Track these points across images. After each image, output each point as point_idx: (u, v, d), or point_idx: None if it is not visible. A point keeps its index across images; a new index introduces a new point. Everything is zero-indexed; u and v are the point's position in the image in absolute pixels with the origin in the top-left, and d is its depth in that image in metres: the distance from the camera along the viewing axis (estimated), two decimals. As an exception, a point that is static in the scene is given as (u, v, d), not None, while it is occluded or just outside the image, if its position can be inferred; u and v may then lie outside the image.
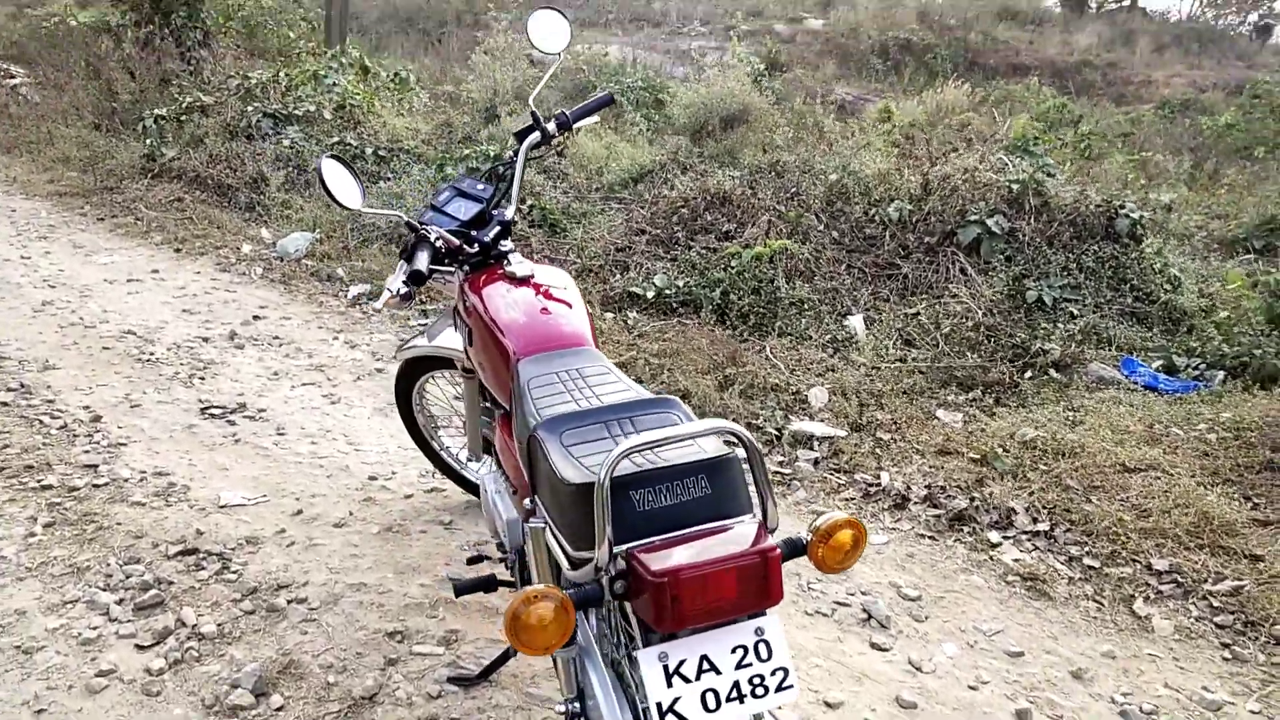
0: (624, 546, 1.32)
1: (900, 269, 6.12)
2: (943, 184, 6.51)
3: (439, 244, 2.31)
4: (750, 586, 1.27)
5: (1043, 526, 3.27)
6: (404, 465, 3.55)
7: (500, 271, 2.37)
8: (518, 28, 11.71)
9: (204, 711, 2.24)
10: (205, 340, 4.67)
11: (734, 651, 1.32)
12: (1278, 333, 4.91)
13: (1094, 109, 14.14)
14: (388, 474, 3.47)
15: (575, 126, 2.69)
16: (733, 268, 5.56)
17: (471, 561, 2.53)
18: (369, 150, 8.01)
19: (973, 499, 3.43)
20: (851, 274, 6.16)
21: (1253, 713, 2.43)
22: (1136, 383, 4.96)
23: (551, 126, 2.64)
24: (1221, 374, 4.97)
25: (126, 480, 3.25)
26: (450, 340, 2.81)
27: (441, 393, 3.23)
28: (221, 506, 3.14)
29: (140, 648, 2.45)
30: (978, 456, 3.73)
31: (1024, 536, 3.26)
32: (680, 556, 1.26)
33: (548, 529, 1.64)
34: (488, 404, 2.89)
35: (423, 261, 2.17)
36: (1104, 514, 3.27)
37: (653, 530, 1.35)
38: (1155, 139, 11.51)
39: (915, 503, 3.45)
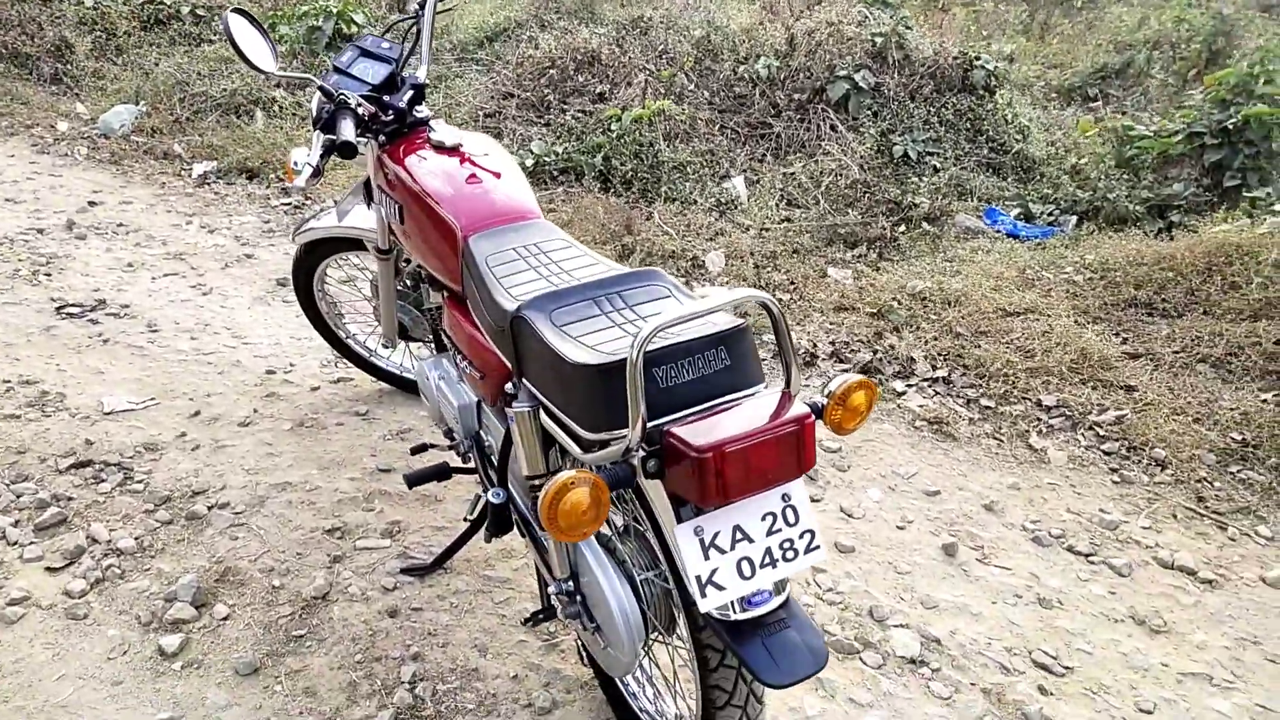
0: (656, 423, 1.28)
1: (773, 128, 6.12)
2: (808, 39, 6.47)
3: (361, 111, 2.10)
4: (790, 455, 1.26)
5: (941, 373, 3.45)
6: (301, 356, 3.35)
7: (423, 140, 2.19)
8: None
9: (141, 630, 2.10)
10: (40, 232, 4.18)
11: (764, 519, 1.33)
12: (1127, 176, 5.24)
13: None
14: (285, 367, 3.26)
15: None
16: (612, 131, 5.40)
17: (416, 451, 2.43)
18: (185, 9, 7.19)
19: (875, 351, 3.57)
20: (726, 135, 6.11)
21: (1144, 528, 2.71)
22: (1000, 231, 5.23)
23: (459, -23, 2.40)
24: (1074, 219, 5.31)
25: (-12, 393, 2.92)
26: (360, 219, 2.61)
27: (342, 276, 3.03)
28: (107, 413, 2.87)
29: (51, 570, 2.25)
30: (873, 311, 3.87)
31: (925, 384, 3.43)
32: (720, 430, 1.23)
33: (534, 413, 1.58)
34: (403, 286, 2.74)
35: (349, 130, 1.97)
36: (994, 357, 3.48)
37: (678, 406, 1.31)
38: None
39: (823, 359, 3.55)
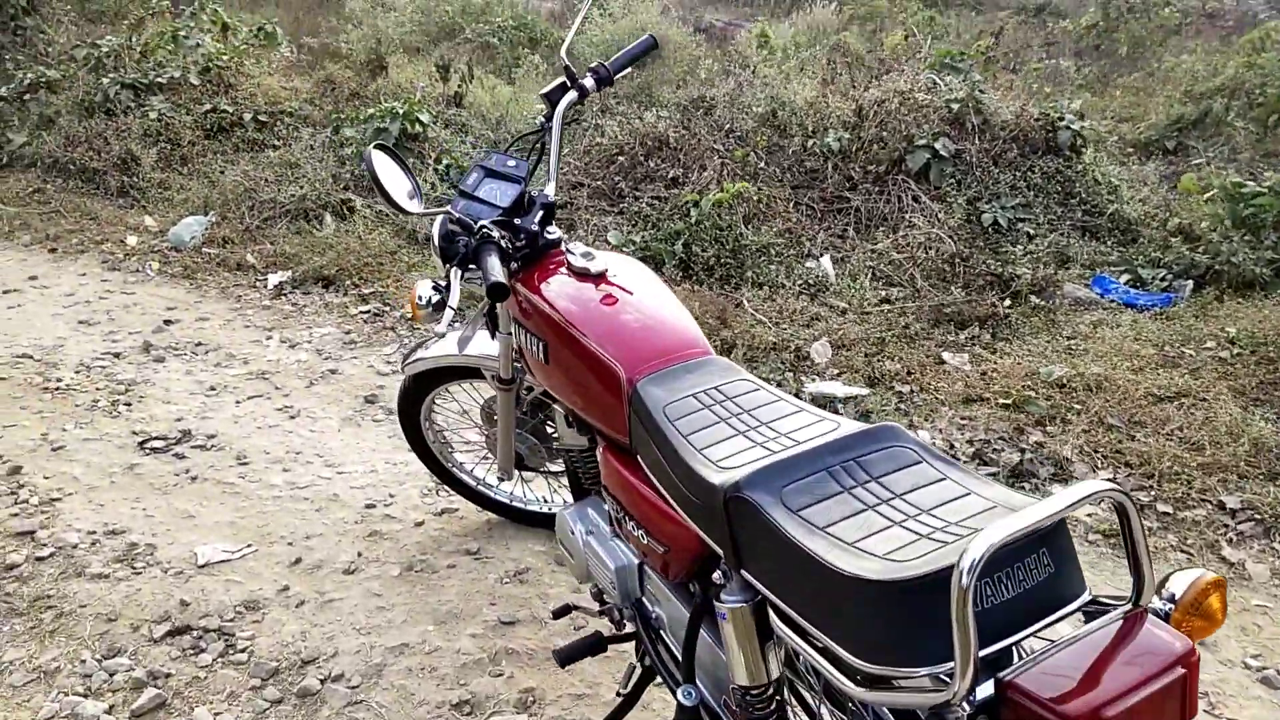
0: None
1: (850, 202, 5.89)
2: (878, 109, 6.27)
3: (505, 244, 1.86)
4: (1175, 708, 0.96)
5: (1104, 474, 3.10)
6: (400, 485, 3.10)
7: (561, 265, 1.95)
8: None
9: (260, 844, 1.82)
10: (117, 356, 4.02)
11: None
12: (1246, 236, 4.89)
13: (958, 19, 14.23)
14: (385, 499, 3.01)
15: (616, 78, 2.27)
16: (690, 217, 5.19)
17: (558, 615, 2.13)
18: (248, 116, 7.20)
19: (1022, 450, 3.24)
20: (800, 211, 5.89)
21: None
22: (1113, 300, 4.90)
23: (590, 82, 2.20)
24: (1190, 284, 4.96)
25: (75, 546, 2.70)
26: (479, 347, 2.37)
27: (453, 406, 2.80)
28: (201, 566, 2.63)
29: (154, 769, 1.98)
30: (1007, 402, 3.54)
31: (1083, 485, 3.08)
32: (1088, 681, 0.94)
33: (755, 609, 1.29)
34: (520, 414, 2.49)
35: (497, 270, 1.72)
36: (1159, 452, 3.13)
37: (999, 633, 1.02)
38: (1029, 46, 11.55)
39: (965, 461, 3.23)
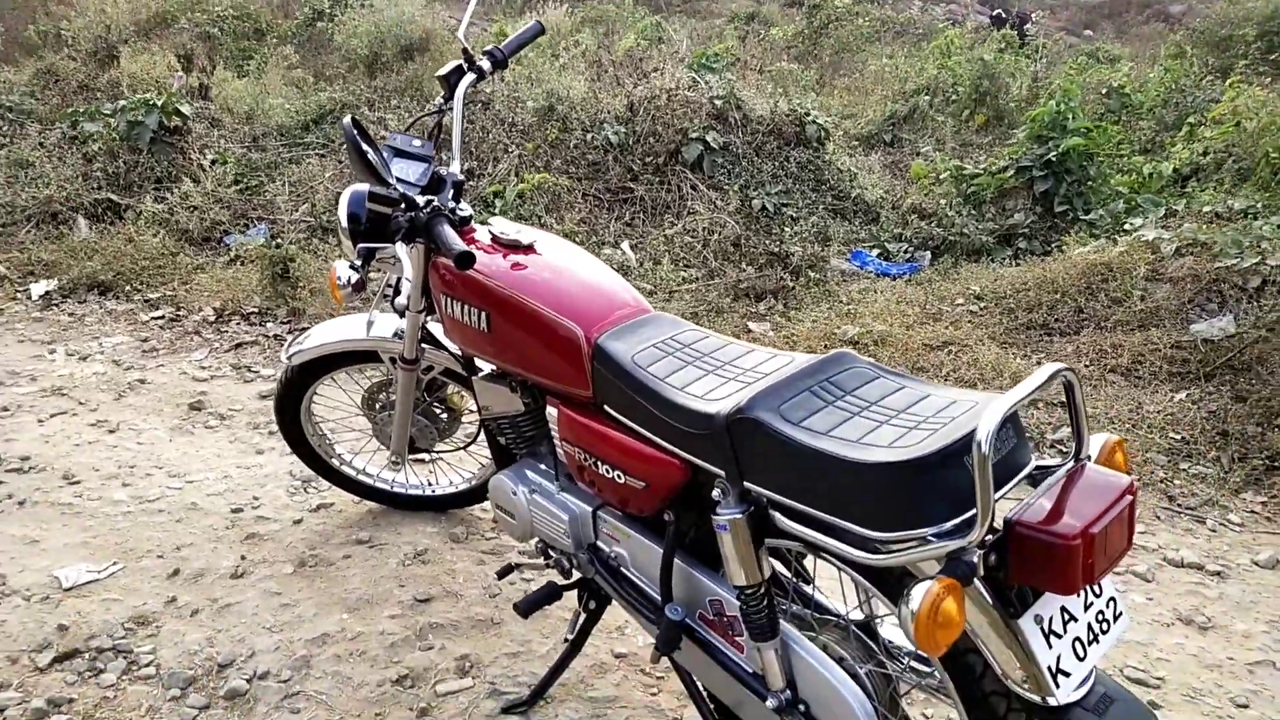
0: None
1: (634, 191, 6.23)
2: (648, 104, 6.67)
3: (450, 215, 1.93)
4: (1127, 529, 1.27)
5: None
6: (260, 487, 3.00)
7: (477, 241, 2.04)
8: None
9: (231, 843, 1.78)
10: None
11: (1079, 595, 1.33)
12: (971, 211, 5.75)
13: (682, 26, 15.20)
14: (250, 502, 2.90)
15: (510, 61, 2.37)
16: (495, 209, 5.28)
17: (502, 574, 2.21)
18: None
19: (838, 400, 3.68)
20: (589, 202, 6.16)
21: (1140, 533, 2.94)
22: (871, 271, 5.58)
23: (486, 64, 2.29)
24: (929, 254, 5.76)
25: (-101, 589, 2.39)
26: (378, 331, 2.39)
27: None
28: (68, 589, 2.43)
29: (87, 796, 1.86)
30: (815, 360, 3.99)
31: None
32: (1071, 513, 1.22)
33: (749, 519, 1.50)
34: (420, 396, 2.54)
35: (458, 239, 1.79)
36: (945, 391, 3.68)
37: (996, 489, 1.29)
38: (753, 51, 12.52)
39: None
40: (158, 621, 2.35)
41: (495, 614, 2.44)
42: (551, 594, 2.04)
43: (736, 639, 1.68)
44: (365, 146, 1.87)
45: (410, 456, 2.69)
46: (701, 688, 1.86)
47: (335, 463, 2.80)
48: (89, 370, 3.76)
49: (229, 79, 7.46)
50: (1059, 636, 1.29)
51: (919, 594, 1.18)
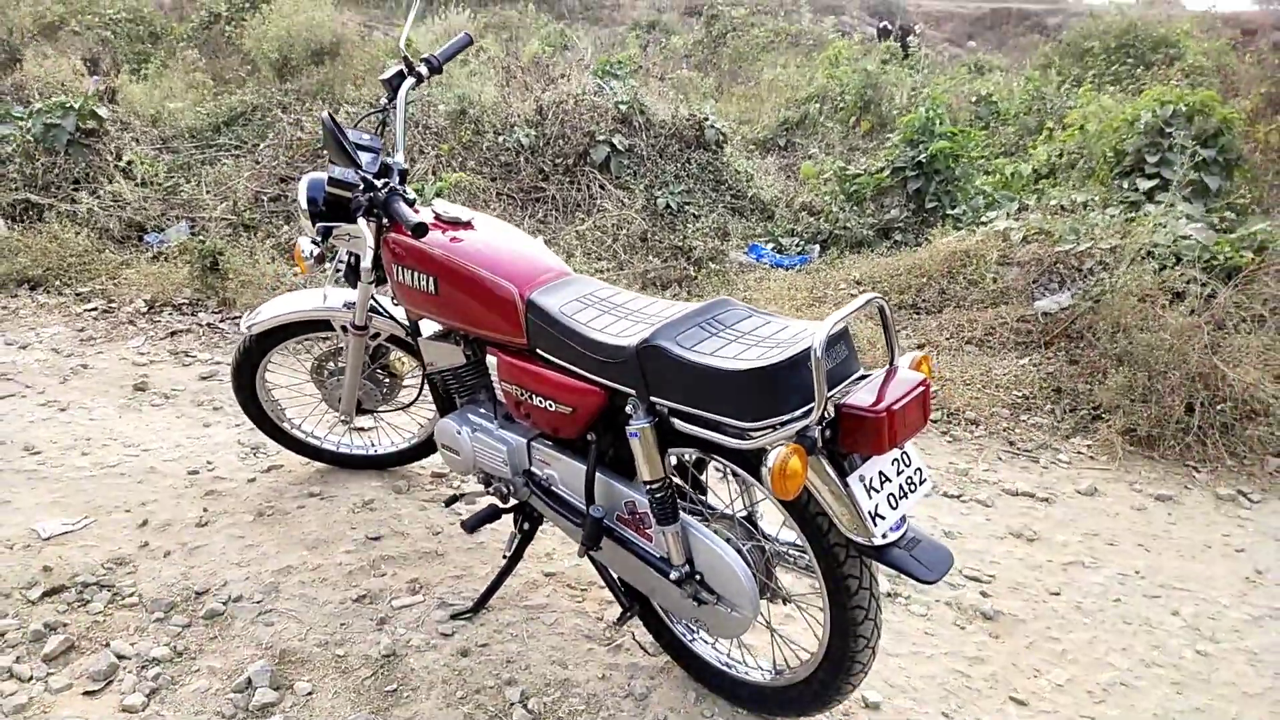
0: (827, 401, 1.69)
1: (546, 191, 6.62)
2: (556, 109, 7.07)
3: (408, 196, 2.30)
4: (923, 410, 1.74)
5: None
6: (213, 454, 3.28)
7: (430, 219, 2.41)
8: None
9: (224, 725, 2.11)
10: None
11: (893, 464, 1.79)
12: (854, 208, 6.34)
13: (586, 34, 15.67)
14: (205, 465, 3.19)
15: (444, 68, 2.73)
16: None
17: (449, 503, 2.59)
18: None
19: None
20: (503, 201, 6.52)
21: (985, 470, 3.49)
22: (766, 263, 6.10)
23: (424, 70, 2.65)
24: (818, 247, 6.32)
25: (-115, 543, 2.61)
26: (331, 301, 2.73)
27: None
28: (47, 539, 2.69)
29: (91, 693, 2.16)
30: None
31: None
32: (881, 398, 1.68)
33: (655, 426, 1.92)
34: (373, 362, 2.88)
35: (411, 213, 2.17)
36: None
37: (831, 387, 1.74)
38: (654, 59, 13.06)
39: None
40: (134, 561, 2.63)
41: (439, 547, 2.80)
42: (493, 513, 2.42)
43: (647, 531, 2.10)
44: (341, 137, 2.22)
45: (356, 418, 3.03)
46: (618, 579, 2.28)
47: (286, 426, 3.11)
48: (31, 358, 3.95)
49: (128, 82, 7.56)
50: (877, 491, 1.75)
51: (774, 455, 1.62)
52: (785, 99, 10.10)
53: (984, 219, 5.47)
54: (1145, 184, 5.47)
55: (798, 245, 6.38)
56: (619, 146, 6.73)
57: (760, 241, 6.46)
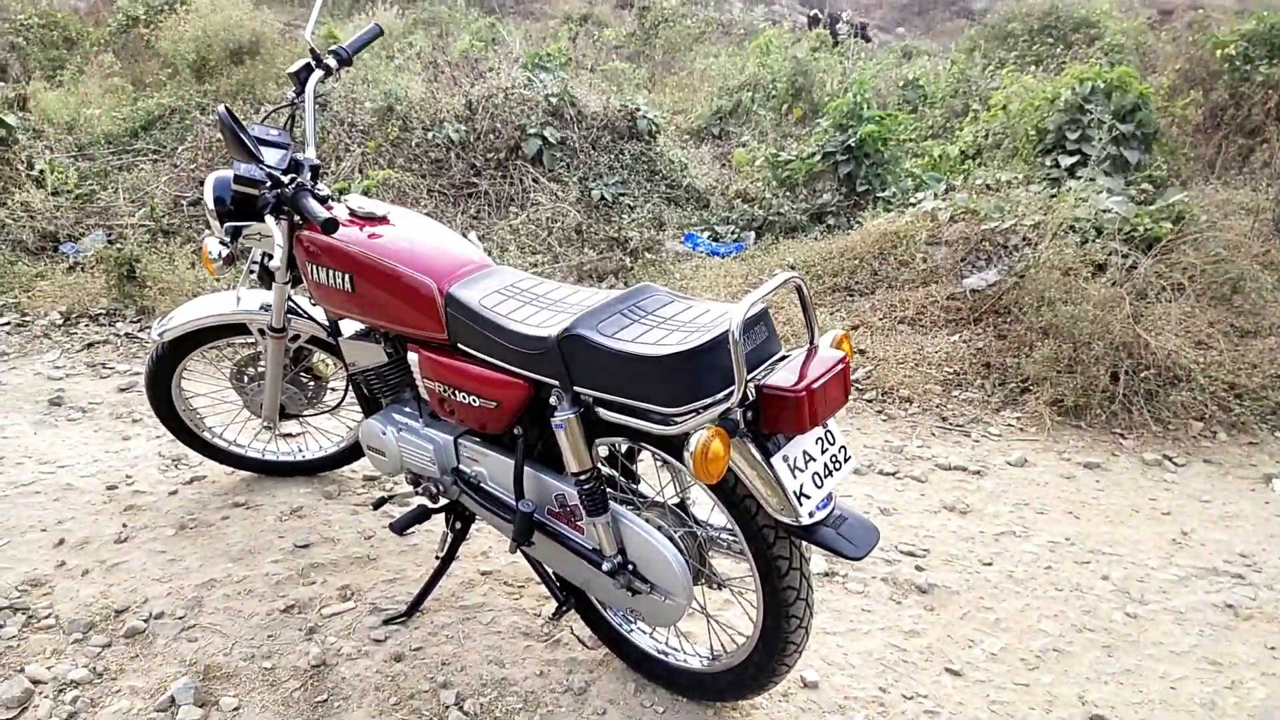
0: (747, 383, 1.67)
1: (478, 186, 6.55)
2: (486, 103, 6.99)
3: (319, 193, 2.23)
4: (842, 387, 1.73)
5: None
6: (132, 467, 3.17)
7: (344, 215, 2.35)
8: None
9: (147, 747, 2.03)
10: None
11: (817, 443, 1.78)
12: (786, 193, 6.37)
13: (517, 28, 15.55)
14: (124, 480, 3.08)
15: (354, 59, 2.66)
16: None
17: (378, 505, 2.52)
18: None
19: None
20: (435, 198, 6.43)
21: (918, 447, 3.52)
22: (702, 251, 6.10)
23: (333, 62, 2.58)
24: (753, 234, 6.34)
25: None
26: (250, 304, 2.65)
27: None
28: (-46, 564, 2.57)
29: (3, 724, 2.07)
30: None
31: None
32: (801, 378, 1.66)
33: (581, 416, 1.89)
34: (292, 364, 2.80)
35: (319, 208, 2.10)
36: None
37: (751, 369, 1.73)
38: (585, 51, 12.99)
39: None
40: (50, 582, 2.53)
41: (371, 551, 2.74)
42: (423, 514, 2.37)
43: (578, 524, 2.07)
44: (240, 131, 2.15)
45: (280, 423, 2.95)
46: (553, 574, 2.25)
47: (207, 435, 3.02)
48: (-64, 376, 3.78)
49: (42, 89, 7.30)
50: (801, 470, 1.74)
51: (695, 439, 1.61)
52: (718, 88, 10.11)
53: (913, 200, 5.53)
54: (1067, 160, 5.58)
55: (733, 233, 6.39)
56: (551, 139, 6.68)
57: (696, 230, 6.46)
